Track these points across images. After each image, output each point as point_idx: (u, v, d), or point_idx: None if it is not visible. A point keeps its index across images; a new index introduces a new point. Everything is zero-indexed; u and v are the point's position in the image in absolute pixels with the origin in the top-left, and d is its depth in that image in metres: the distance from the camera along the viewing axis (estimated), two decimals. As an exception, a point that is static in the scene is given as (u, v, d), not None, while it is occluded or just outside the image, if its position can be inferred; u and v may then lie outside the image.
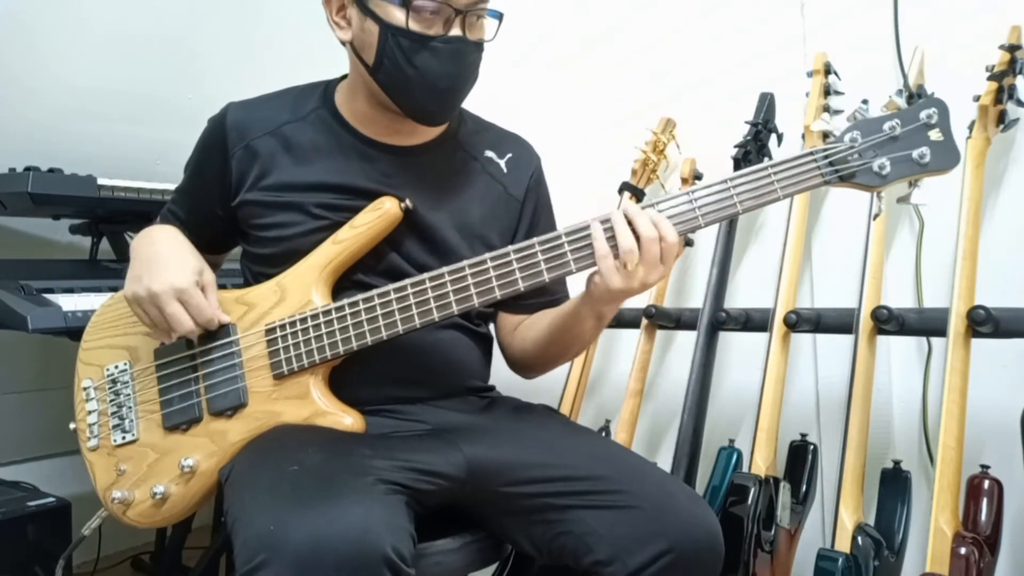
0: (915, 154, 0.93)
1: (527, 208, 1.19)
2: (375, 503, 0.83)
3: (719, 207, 0.95)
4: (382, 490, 0.86)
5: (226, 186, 1.11)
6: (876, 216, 1.03)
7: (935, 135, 0.93)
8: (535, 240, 0.96)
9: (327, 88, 1.15)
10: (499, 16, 1.04)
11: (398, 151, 1.11)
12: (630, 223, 0.93)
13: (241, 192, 1.09)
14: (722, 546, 0.94)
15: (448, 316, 0.98)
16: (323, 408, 1.01)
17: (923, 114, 0.93)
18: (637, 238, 0.92)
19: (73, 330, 1.30)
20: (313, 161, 1.09)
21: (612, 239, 0.93)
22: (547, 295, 1.17)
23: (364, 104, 1.09)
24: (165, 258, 1.04)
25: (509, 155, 1.19)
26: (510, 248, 0.97)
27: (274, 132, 1.10)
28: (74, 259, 1.68)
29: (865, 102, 0.96)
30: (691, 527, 0.92)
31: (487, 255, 0.97)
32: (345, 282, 1.06)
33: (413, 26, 0.98)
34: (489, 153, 1.18)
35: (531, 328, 1.16)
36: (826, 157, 0.94)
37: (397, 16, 0.99)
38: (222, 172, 1.10)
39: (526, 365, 1.19)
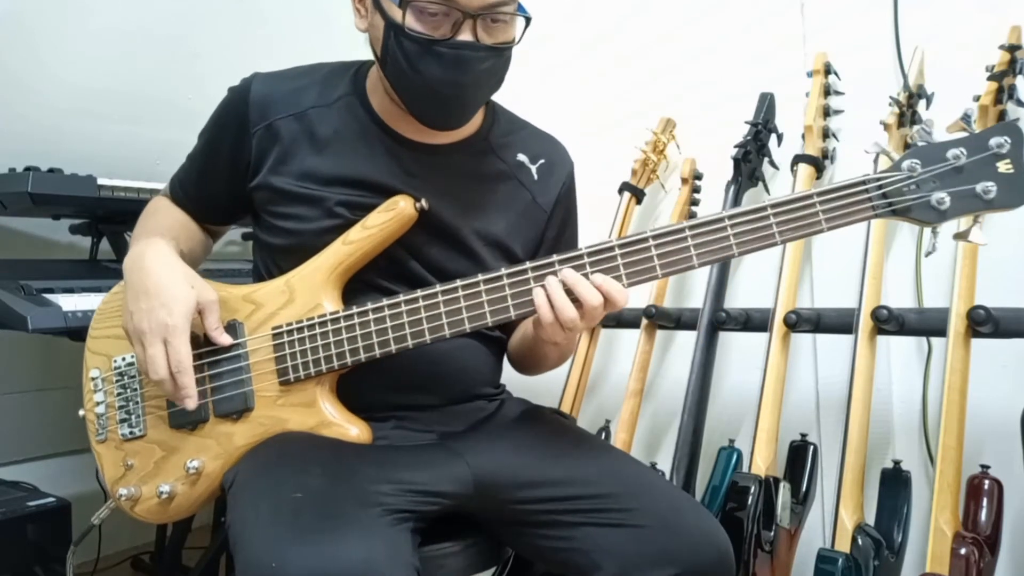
0: (979, 188, 0.83)
1: (554, 220, 1.14)
2: (378, 537, 0.81)
3: (755, 236, 0.87)
4: (386, 522, 0.84)
5: (243, 163, 1.06)
6: (928, 254, 0.90)
7: (1004, 167, 0.83)
8: (555, 258, 0.92)
9: (359, 72, 1.09)
10: (527, 17, 0.97)
11: (425, 149, 1.05)
12: (570, 291, 0.89)
13: (260, 174, 1.05)
14: (733, 566, 0.93)
15: (460, 333, 0.95)
16: (329, 418, 0.99)
17: (993, 142, 0.83)
18: (579, 301, 0.88)
19: (73, 330, 1.30)
20: (337, 152, 1.03)
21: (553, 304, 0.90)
22: None
23: (386, 96, 1.04)
24: (157, 293, 0.95)
25: (542, 161, 1.13)
26: (528, 265, 0.92)
27: (299, 116, 1.04)
28: (74, 259, 1.68)
29: (930, 122, 0.86)
30: (701, 546, 0.91)
31: (503, 271, 0.93)
32: (358, 284, 1.03)
33: (413, 26, 0.92)
34: (521, 157, 1.12)
35: (514, 335, 1.14)
36: (880, 187, 0.85)
37: (396, 13, 0.93)
38: (239, 148, 1.05)
39: (514, 365, 1.19)
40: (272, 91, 1.05)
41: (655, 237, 0.90)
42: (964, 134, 0.86)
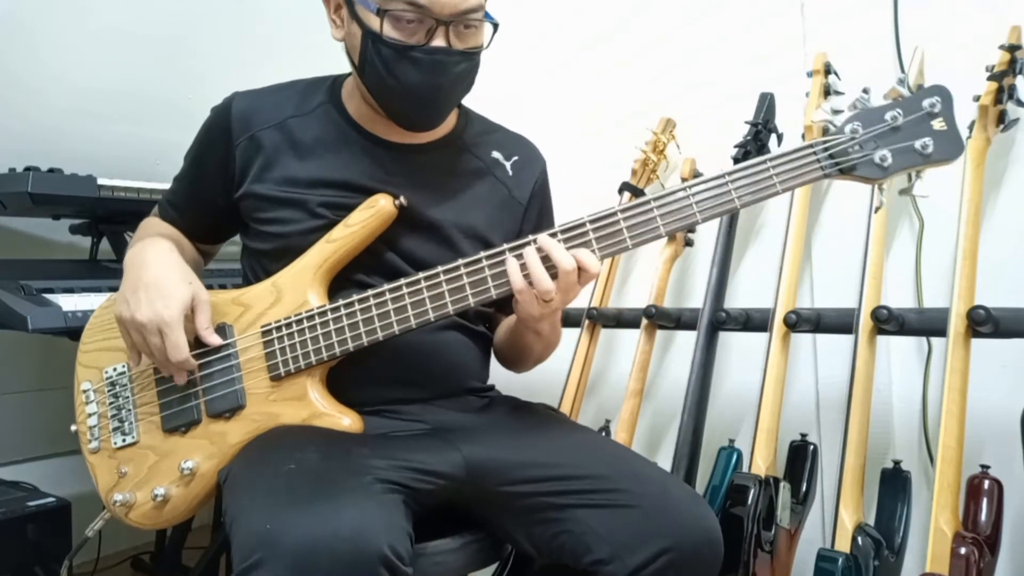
0: (917, 144, 0.90)
1: (531, 213, 1.18)
2: (372, 502, 0.83)
3: (716, 202, 0.93)
4: (380, 489, 0.86)
5: (229, 176, 1.10)
6: (878, 209, 1.00)
7: (938, 124, 0.90)
8: (531, 239, 0.95)
9: (335, 83, 1.14)
10: (495, 24, 1.02)
11: (402, 149, 1.10)
12: (546, 257, 0.93)
13: (244, 184, 1.08)
14: (721, 545, 0.94)
15: (444, 316, 0.98)
16: (321, 409, 1.01)
17: (926, 103, 0.91)
18: (554, 268, 0.92)
19: (73, 330, 1.30)
20: (317, 157, 1.08)
21: (528, 273, 0.93)
22: None
23: (363, 102, 1.09)
24: (155, 285, 1.00)
25: (516, 157, 1.18)
26: (506, 246, 0.96)
27: (279, 125, 1.09)
28: (74, 259, 1.67)
29: (866, 91, 0.94)
30: (690, 526, 0.92)
31: (483, 253, 0.97)
32: (343, 281, 1.06)
33: (390, 33, 0.97)
34: (496, 154, 1.17)
35: (499, 331, 1.18)
36: (826, 149, 0.92)
37: (374, 22, 0.98)
38: (225, 162, 1.09)
39: (501, 360, 1.21)
40: (252, 105, 1.10)
41: (623, 211, 0.95)
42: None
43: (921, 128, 0.91)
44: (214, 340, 1.03)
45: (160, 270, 1.02)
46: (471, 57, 1.02)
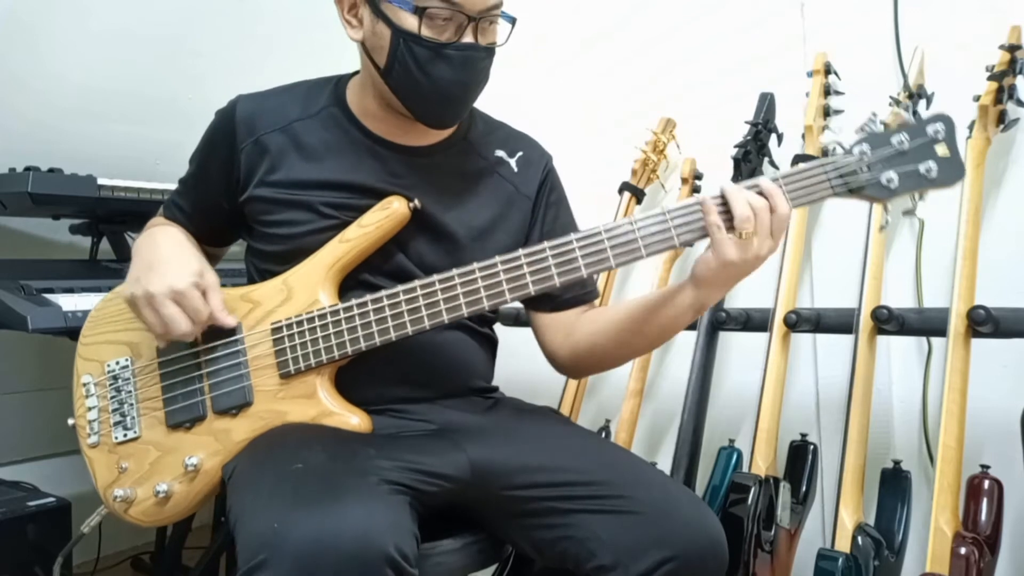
0: (922, 168, 0.95)
1: (539, 208, 1.18)
2: (378, 503, 0.83)
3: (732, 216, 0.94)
4: (386, 490, 0.86)
5: (233, 180, 1.10)
6: (883, 228, 1.04)
7: (942, 150, 0.95)
8: (546, 244, 0.96)
9: (338, 84, 1.14)
10: (512, 20, 1.03)
11: (409, 151, 1.10)
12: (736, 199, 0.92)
13: (249, 187, 1.08)
14: (726, 553, 0.93)
15: (458, 318, 0.98)
16: (330, 408, 1.01)
17: (930, 129, 0.95)
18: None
19: (73, 330, 1.29)
20: (323, 159, 1.08)
21: (724, 211, 0.93)
22: (580, 289, 1.13)
23: (374, 103, 1.09)
24: (165, 261, 1.02)
25: (520, 154, 1.18)
26: (520, 252, 0.96)
27: (284, 128, 1.09)
28: (74, 259, 1.68)
29: (874, 115, 0.97)
30: (694, 533, 0.91)
31: (497, 258, 0.97)
32: (351, 282, 1.06)
33: (426, 33, 0.97)
34: (500, 153, 1.17)
35: (599, 319, 1.10)
36: (836, 169, 0.96)
37: (409, 22, 0.98)
38: (229, 165, 1.09)
39: (590, 363, 1.14)
40: (257, 109, 1.10)
41: (636, 221, 0.96)
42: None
43: (926, 153, 0.95)
44: (229, 321, 1.03)
45: (172, 250, 1.04)
46: (492, 53, 1.04)
